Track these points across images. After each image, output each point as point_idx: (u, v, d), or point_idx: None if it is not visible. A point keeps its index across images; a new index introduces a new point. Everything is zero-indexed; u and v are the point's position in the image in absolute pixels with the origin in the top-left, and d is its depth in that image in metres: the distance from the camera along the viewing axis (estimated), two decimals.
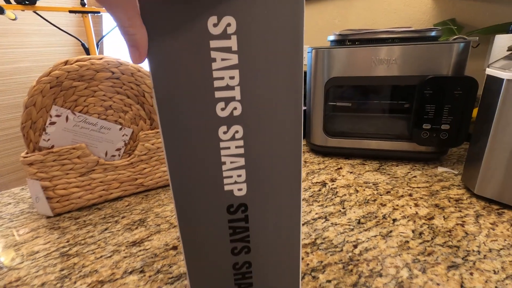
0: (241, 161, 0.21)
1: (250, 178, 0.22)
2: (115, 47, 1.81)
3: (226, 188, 0.22)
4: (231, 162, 0.21)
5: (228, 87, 0.19)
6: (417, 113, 0.55)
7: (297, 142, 0.21)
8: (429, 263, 0.33)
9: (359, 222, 0.42)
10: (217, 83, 0.19)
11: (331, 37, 0.63)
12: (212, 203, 0.22)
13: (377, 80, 0.57)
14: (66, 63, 0.45)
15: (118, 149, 0.52)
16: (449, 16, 0.82)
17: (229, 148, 0.21)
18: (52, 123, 0.45)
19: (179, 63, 0.19)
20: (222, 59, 0.19)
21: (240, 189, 0.22)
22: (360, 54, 0.57)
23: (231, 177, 0.22)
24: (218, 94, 0.19)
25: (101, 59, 0.47)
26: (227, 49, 0.19)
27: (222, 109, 0.20)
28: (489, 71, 0.43)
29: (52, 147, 0.47)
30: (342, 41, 0.62)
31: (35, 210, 0.51)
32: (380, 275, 0.32)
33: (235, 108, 0.20)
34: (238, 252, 0.24)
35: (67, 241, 0.42)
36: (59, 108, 0.46)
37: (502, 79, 0.40)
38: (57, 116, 0.45)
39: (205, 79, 0.19)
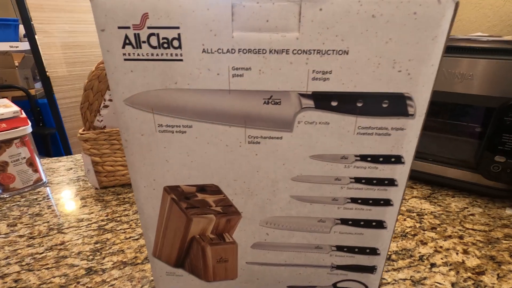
0: None
1: None
2: None
3: None
4: None
5: None
6: (491, 141, 0.46)
7: None
8: None
9: (389, 258, 0.38)
10: None
11: None
12: None
13: (447, 96, 0.49)
14: None
15: None
16: None
17: None
18: (106, 106, 0.50)
19: None
20: None
21: None
22: None
23: None
24: None
25: None
26: None
27: None
28: None
29: (104, 127, 0.51)
30: None
31: (88, 179, 0.57)
32: None
33: None
34: None
35: (106, 215, 0.46)
36: None
37: None
38: (110, 100, 0.49)
39: None
